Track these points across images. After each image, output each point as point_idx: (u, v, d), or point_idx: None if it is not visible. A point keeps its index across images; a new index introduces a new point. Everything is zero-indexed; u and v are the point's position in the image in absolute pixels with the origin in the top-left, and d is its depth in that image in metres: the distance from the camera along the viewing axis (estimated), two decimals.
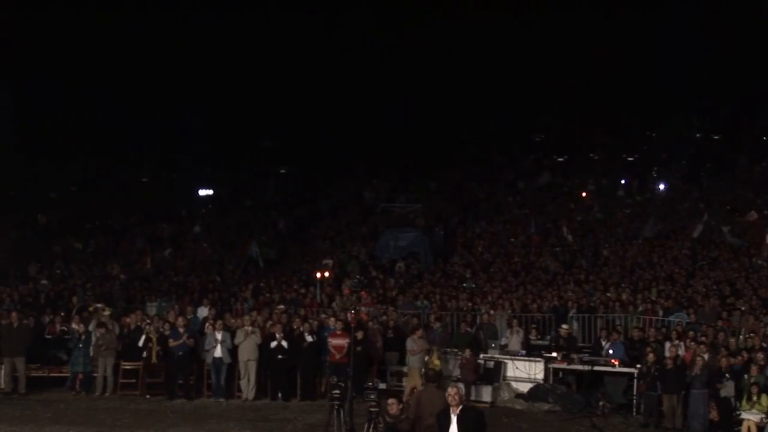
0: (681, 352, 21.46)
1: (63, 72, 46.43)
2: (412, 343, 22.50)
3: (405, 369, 23.10)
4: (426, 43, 53.54)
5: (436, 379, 14.18)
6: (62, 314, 26.40)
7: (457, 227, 39.28)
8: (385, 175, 47.81)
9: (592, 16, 52.72)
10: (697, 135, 53.25)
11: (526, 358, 23.48)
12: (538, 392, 22.55)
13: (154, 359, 23.24)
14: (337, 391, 16.01)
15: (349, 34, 53.59)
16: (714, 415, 19.36)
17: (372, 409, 14.73)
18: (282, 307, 27.40)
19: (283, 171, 52.82)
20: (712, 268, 31.57)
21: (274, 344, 22.78)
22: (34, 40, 44.03)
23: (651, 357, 20.85)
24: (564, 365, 23.17)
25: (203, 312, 26.67)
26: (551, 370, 23.21)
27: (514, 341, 24.37)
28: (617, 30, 52.19)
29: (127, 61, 48.99)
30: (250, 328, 22.88)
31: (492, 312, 26.80)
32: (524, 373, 23.24)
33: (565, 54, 52.71)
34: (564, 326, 25.01)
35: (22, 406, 21.57)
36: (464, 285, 31.63)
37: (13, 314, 24.36)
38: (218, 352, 22.73)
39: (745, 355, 21.03)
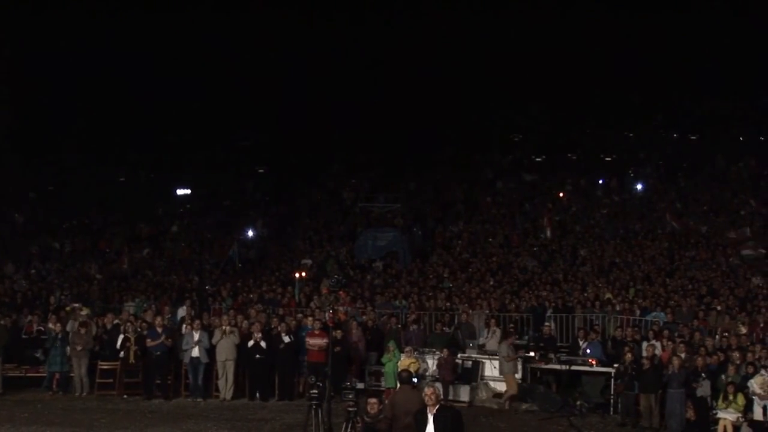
0: (658, 351, 21.56)
1: (41, 72, 46.21)
2: (507, 350, 22.41)
3: (383, 369, 23.08)
4: (404, 43, 53.56)
5: (409, 380, 14.17)
6: (39, 314, 26.25)
7: (435, 227, 39.33)
8: (364, 175, 47.77)
9: (572, 18, 52.88)
10: (674, 135, 53.50)
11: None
12: None
13: (131, 359, 23.15)
14: (315, 391, 15.99)
15: (327, 33, 53.57)
16: (691, 414, 19.48)
17: (350, 409, 14.75)
18: (259, 306, 27.34)
19: (261, 171, 52.72)
20: (689, 268, 31.75)
21: (251, 344, 22.77)
22: (10, 41, 43.80)
23: (628, 356, 20.93)
24: (542, 365, 23.24)
25: (181, 312, 26.62)
26: (529, 369, 23.28)
27: (492, 341, 24.39)
28: (596, 31, 52.33)
29: (104, 60, 48.83)
30: (228, 328, 22.85)
31: (470, 312, 26.84)
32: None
33: (544, 54, 52.83)
34: (547, 324, 25.13)
35: None
36: (442, 285, 31.68)
37: None
38: (196, 351, 22.68)
39: (721, 354, 21.16)
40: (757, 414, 18.90)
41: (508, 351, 22.41)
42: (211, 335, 22.92)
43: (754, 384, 19.03)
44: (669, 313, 26.14)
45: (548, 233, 36.64)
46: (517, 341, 25.04)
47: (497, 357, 23.35)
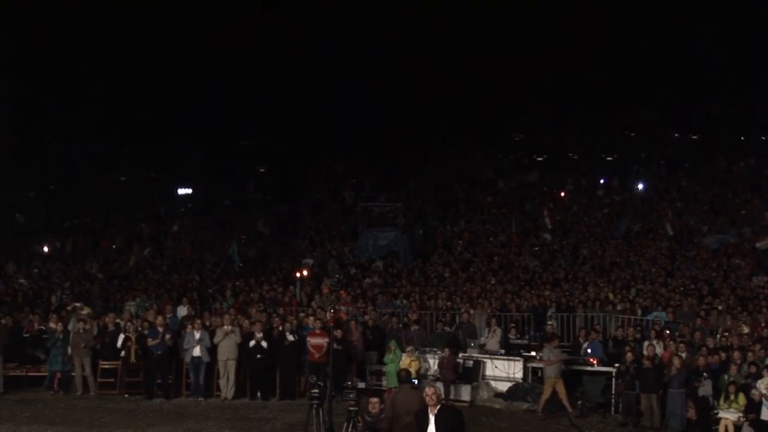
0: (659, 351, 21.54)
1: (41, 71, 46.22)
2: (549, 353, 22.09)
3: (384, 368, 23.06)
4: (405, 43, 53.60)
5: (409, 380, 14.16)
6: (40, 313, 26.23)
7: (436, 227, 39.31)
8: (365, 174, 47.79)
9: (571, 17, 52.92)
10: (676, 134, 53.54)
11: (505, 357, 23.50)
12: (516, 391, 22.59)
13: (132, 358, 23.14)
14: (316, 391, 15.97)
15: (327, 33, 53.61)
16: (692, 414, 19.46)
17: (351, 408, 14.72)
18: (260, 305, 27.32)
19: (262, 170, 52.76)
20: (690, 268, 31.72)
21: (252, 343, 22.75)
22: (10, 41, 43.82)
23: (629, 356, 20.91)
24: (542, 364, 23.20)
25: (182, 311, 26.61)
26: (530, 369, 23.25)
27: (493, 340, 24.36)
28: (596, 30, 52.38)
29: (106, 60, 48.86)
30: (229, 327, 22.83)
31: (471, 311, 26.80)
32: (503, 372, 23.26)
33: (545, 54, 52.87)
34: (549, 323, 25.09)
35: (0, 405, 21.45)
36: (443, 284, 31.65)
37: None
38: (197, 351, 22.65)
39: (722, 354, 21.14)
40: (765, 414, 18.83)
41: (550, 354, 21.80)
42: (212, 334, 22.91)
43: (761, 385, 18.97)
44: (670, 313, 26.09)
45: (548, 224, 36.55)
46: (518, 341, 25.03)
47: (498, 357, 23.39)
